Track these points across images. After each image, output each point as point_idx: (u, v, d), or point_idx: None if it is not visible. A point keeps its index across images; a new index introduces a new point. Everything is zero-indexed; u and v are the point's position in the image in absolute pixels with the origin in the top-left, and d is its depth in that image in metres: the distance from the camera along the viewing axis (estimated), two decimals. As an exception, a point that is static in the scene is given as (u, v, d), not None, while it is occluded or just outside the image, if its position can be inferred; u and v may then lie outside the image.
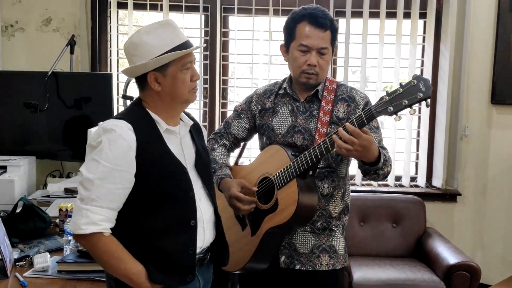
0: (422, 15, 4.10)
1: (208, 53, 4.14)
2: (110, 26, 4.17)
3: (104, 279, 1.99)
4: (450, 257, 3.50)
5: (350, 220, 2.39)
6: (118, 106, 4.12)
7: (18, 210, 2.67)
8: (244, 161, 3.23)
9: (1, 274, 2.17)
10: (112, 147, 1.68)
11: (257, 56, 4.14)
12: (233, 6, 4.07)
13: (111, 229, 1.71)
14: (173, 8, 4.11)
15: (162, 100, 1.82)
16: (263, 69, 4.20)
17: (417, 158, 4.29)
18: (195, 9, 4.11)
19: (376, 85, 4.12)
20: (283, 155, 2.16)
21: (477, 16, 4.00)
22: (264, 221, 2.17)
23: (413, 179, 4.27)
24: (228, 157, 2.46)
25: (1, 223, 2.35)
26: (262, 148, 2.37)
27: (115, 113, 3.78)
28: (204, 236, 1.86)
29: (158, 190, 1.75)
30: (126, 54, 1.82)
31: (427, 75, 4.06)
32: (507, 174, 4.10)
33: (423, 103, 1.87)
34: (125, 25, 4.34)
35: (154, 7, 4.12)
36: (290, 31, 2.24)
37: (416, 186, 4.23)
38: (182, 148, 1.87)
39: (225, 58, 4.24)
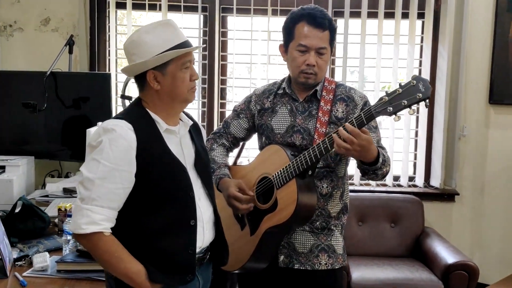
0: (420, 15, 4.10)
1: (206, 53, 4.14)
2: (109, 26, 4.17)
3: (103, 279, 1.99)
4: (448, 256, 3.51)
5: (349, 220, 2.40)
6: (117, 106, 4.12)
7: (17, 210, 2.67)
8: (243, 161, 3.25)
9: (0, 274, 2.17)
10: (113, 147, 1.69)
11: (255, 56, 4.14)
12: (231, 6, 4.08)
13: (111, 228, 1.72)
14: (172, 8, 4.12)
15: (161, 99, 1.83)
16: (261, 69, 4.20)
17: (415, 158, 4.29)
18: (193, 9, 4.12)
19: (374, 85, 4.12)
20: (283, 155, 2.16)
21: (475, 16, 4.01)
22: (263, 221, 2.17)
23: (411, 178, 4.28)
24: (227, 157, 2.47)
25: (0, 222, 2.35)
26: (261, 148, 2.38)
27: (113, 113, 3.79)
28: (204, 236, 1.86)
29: (158, 190, 1.76)
30: (126, 53, 1.83)
31: (425, 75, 4.07)
32: (505, 174, 4.11)
33: (422, 103, 1.88)
34: (123, 25, 4.34)
35: (152, 7, 4.13)
36: (289, 31, 2.24)
37: (414, 185, 4.24)
38: (181, 148, 1.88)
39: (223, 58, 4.25)
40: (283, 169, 2.13)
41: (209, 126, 4.18)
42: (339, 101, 2.25)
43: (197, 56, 4.07)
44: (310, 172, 2.11)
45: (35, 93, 3.65)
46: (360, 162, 2.10)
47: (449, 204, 4.19)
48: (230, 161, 2.54)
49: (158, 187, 1.76)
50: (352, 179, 4.16)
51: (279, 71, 4.17)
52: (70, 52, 3.90)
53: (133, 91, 3.88)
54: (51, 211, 2.96)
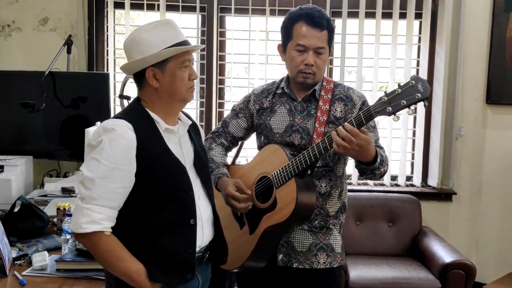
0: (418, 16, 4.12)
1: (205, 53, 4.15)
2: (107, 26, 4.18)
3: (103, 278, 2.00)
4: (445, 255, 3.52)
5: (346, 219, 2.41)
6: (115, 105, 4.13)
7: (16, 209, 2.68)
8: (241, 160, 3.25)
9: (0, 273, 2.17)
10: (113, 146, 1.69)
11: (253, 56, 4.15)
12: (230, 6, 4.09)
13: (112, 228, 1.72)
14: (170, 8, 4.12)
15: (160, 97, 1.83)
16: (259, 69, 4.21)
17: (412, 158, 4.31)
18: (192, 9, 4.13)
19: (372, 85, 4.14)
20: (282, 154, 2.17)
21: (473, 17, 4.03)
22: (262, 220, 2.18)
23: (408, 178, 4.29)
24: (226, 156, 2.47)
25: (-1, 222, 2.36)
26: (260, 147, 2.39)
27: (112, 113, 3.80)
28: (203, 235, 1.87)
29: (158, 189, 1.77)
30: (126, 51, 1.84)
31: (423, 75, 4.08)
32: (502, 174, 4.13)
33: (420, 103, 1.89)
34: (122, 25, 4.35)
35: (151, 7, 4.13)
36: (287, 31, 2.25)
37: (412, 185, 4.25)
38: (181, 147, 1.88)
39: (221, 58, 4.25)
40: (282, 168, 2.14)
41: (207, 126, 4.18)
42: (338, 100, 2.26)
43: (195, 56, 4.07)
44: (309, 172, 2.12)
45: (34, 93, 3.65)
46: (358, 161, 2.11)
47: (447, 203, 4.20)
48: (229, 160, 2.54)
49: (158, 187, 1.77)
50: (350, 179, 4.17)
51: (277, 71, 4.18)
52: (69, 52, 3.90)
53: (132, 91, 3.88)
54: (49, 210, 2.96)
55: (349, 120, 1.99)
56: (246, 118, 2.42)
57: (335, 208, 2.29)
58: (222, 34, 4.24)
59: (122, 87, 3.66)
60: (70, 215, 2.51)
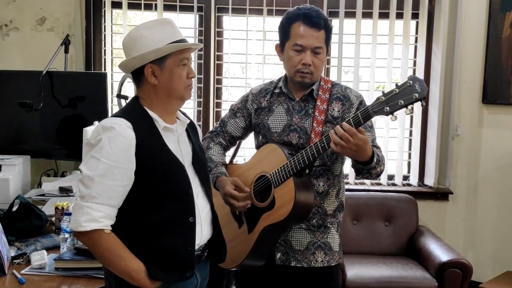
0: (415, 16, 4.13)
1: (202, 52, 4.16)
2: (105, 26, 4.18)
3: (101, 276, 2.00)
4: (442, 254, 3.53)
5: (343, 219, 2.42)
6: (113, 105, 4.13)
7: (14, 208, 2.68)
8: (239, 160, 3.26)
9: (-1, 272, 2.18)
10: (112, 145, 1.70)
11: (251, 56, 4.16)
12: (227, 6, 4.09)
13: (111, 226, 1.73)
14: (167, 7, 4.13)
15: (158, 95, 1.84)
16: (255, 69, 4.22)
17: (409, 157, 4.32)
18: (189, 8, 4.13)
19: (369, 85, 4.15)
20: (280, 153, 2.18)
21: (469, 17, 4.04)
22: (261, 219, 2.19)
23: (405, 178, 4.31)
24: (224, 155, 2.48)
25: (-2, 221, 2.37)
26: (258, 146, 2.40)
27: (109, 113, 3.80)
28: (202, 233, 1.88)
29: (157, 188, 1.77)
30: (124, 49, 1.85)
31: (419, 75, 4.09)
32: (498, 173, 4.15)
33: (418, 103, 1.90)
34: (119, 24, 4.35)
35: (148, 7, 4.14)
36: (284, 31, 2.26)
37: (409, 184, 4.27)
38: (179, 146, 1.89)
39: (219, 57, 4.26)
40: (280, 167, 2.15)
41: (205, 125, 4.19)
42: (335, 100, 2.27)
43: (193, 55, 4.07)
44: (307, 171, 2.13)
45: (31, 92, 3.65)
46: (354, 161, 2.13)
47: (443, 203, 4.22)
48: (227, 160, 2.55)
49: (157, 185, 1.77)
50: (347, 178, 4.18)
51: (274, 70, 4.20)
52: (66, 51, 3.90)
53: (129, 90, 3.89)
54: (47, 210, 2.96)
55: (347, 119, 2.01)
56: (244, 118, 2.43)
57: (333, 206, 2.30)
58: (219, 34, 4.25)
59: (119, 87, 3.66)
60: (68, 214, 2.51)
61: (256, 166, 2.30)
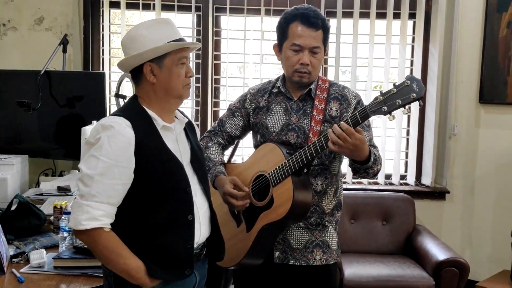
0: (412, 16, 4.15)
1: (200, 52, 4.16)
2: (103, 25, 4.18)
3: (100, 275, 2.01)
4: (439, 253, 3.55)
5: (341, 218, 2.43)
6: (111, 105, 4.14)
7: (13, 207, 2.68)
8: (237, 159, 3.27)
9: (-2, 271, 2.19)
10: (112, 143, 1.71)
11: (248, 56, 4.17)
12: (225, 6, 4.11)
13: (111, 225, 1.74)
14: (166, 7, 4.14)
15: (156, 94, 1.85)
16: (253, 69, 4.23)
17: (406, 157, 4.34)
18: (187, 8, 4.15)
19: (366, 85, 4.16)
20: (278, 153, 2.19)
21: (465, 17, 4.06)
22: (259, 218, 2.20)
23: (402, 177, 4.32)
24: (223, 154, 2.49)
25: (-3, 220, 2.37)
26: (256, 146, 2.40)
27: (108, 112, 3.81)
28: (200, 231, 1.89)
29: (156, 186, 1.78)
30: (123, 47, 1.85)
31: (417, 75, 4.09)
32: (494, 173, 4.16)
33: (415, 103, 1.91)
34: (117, 24, 4.35)
35: (146, 7, 4.15)
36: (282, 31, 2.27)
37: (406, 184, 4.28)
38: (178, 144, 1.90)
39: (217, 57, 4.27)
40: (279, 167, 2.16)
41: (203, 125, 4.20)
42: (333, 99, 2.28)
43: (191, 55, 4.08)
44: (305, 170, 2.14)
45: (29, 92, 3.66)
46: (351, 160, 2.14)
47: (440, 202, 4.24)
48: (225, 159, 2.56)
49: (156, 183, 1.78)
50: (345, 178, 4.19)
51: (272, 70, 4.21)
52: (64, 51, 3.91)
53: (127, 90, 3.90)
54: (46, 209, 2.97)
55: (345, 119, 2.02)
56: (243, 117, 2.44)
57: (331, 205, 2.31)
58: (217, 33, 4.26)
59: (117, 86, 3.67)
60: (67, 213, 2.52)
61: (254, 165, 2.31)
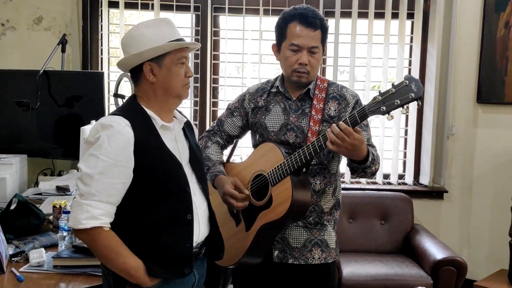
0: (410, 16, 4.16)
1: (199, 52, 4.17)
2: (101, 25, 4.19)
3: (99, 274, 2.01)
4: (437, 252, 3.56)
5: (339, 217, 2.44)
6: (109, 104, 4.14)
7: (12, 207, 2.69)
8: (235, 159, 3.28)
9: (-3, 270, 2.19)
10: (111, 143, 1.71)
11: (247, 55, 4.18)
12: (224, 6, 4.11)
13: (110, 224, 1.74)
14: (164, 7, 4.15)
15: (155, 93, 1.86)
16: (251, 69, 4.24)
17: (405, 156, 4.35)
18: (186, 8, 4.15)
19: (364, 85, 4.18)
20: (277, 152, 2.20)
21: (464, 17, 4.07)
22: (258, 217, 2.21)
23: (401, 176, 4.33)
24: (222, 154, 2.49)
25: (-4, 219, 2.38)
26: (255, 145, 2.41)
27: (106, 112, 3.81)
28: (199, 231, 1.90)
29: (155, 185, 1.79)
30: (123, 47, 1.86)
31: (415, 74, 4.12)
32: (492, 172, 4.17)
33: (414, 103, 1.92)
34: (116, 24, 4.36)
35: (145, 7, 4.15)
36: (281, 31, 2.28)
37: (404, 183, 4.29)
38: (177, 144, 1.91)
39: (215, 57, 4.28)
40: (277, 166, 2.17)
41: (201, 125, 4.20)
42: (332, 99, 2.29)
43: (190, 55, 4.09)
44: (304, 170, 2.15)
45: (28, 91, 3.66)
46: (350, 160, 2.15)
47: (438, 201, 4.25)
48: (224, 159, 2.56)
49: (155, 183, 1.79)
50: (343, 177, 4.20)
51: (270, 70, 4.21)
52: (63, 51, 3.92)
53: (126, 90, 3.90)
54: (45, 208, 2.97)
55: (343, 119, 2.03)
56: (241, 117, 2.44)
57: (330, 204, 2.32)
58: (216, 33, 4.27)
59: (116, 86, 3.67)
60: (66, 213, 2.52)
61: (253, 165, 2.31)
